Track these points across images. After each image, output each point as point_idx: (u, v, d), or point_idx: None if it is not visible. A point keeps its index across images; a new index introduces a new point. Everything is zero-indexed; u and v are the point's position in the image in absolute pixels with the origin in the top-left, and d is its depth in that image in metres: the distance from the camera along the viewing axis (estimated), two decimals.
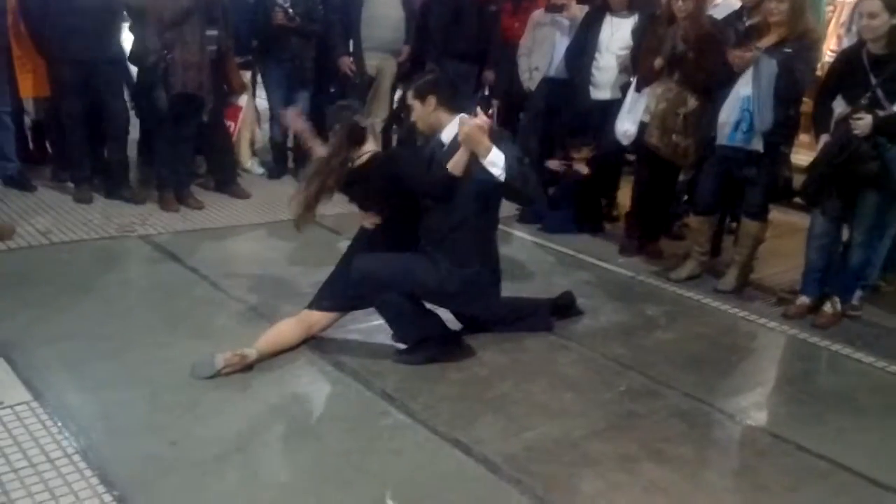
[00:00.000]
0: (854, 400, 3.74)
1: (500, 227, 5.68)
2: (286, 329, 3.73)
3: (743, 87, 4.58)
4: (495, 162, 3.38)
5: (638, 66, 5.24)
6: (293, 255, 5.03)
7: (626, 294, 4.87)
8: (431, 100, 3.64)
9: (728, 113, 4.66)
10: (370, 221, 3.76)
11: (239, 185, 5.99)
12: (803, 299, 4.63)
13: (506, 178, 3.39)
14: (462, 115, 3.57)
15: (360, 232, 3.87)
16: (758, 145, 4.61)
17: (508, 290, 4.63)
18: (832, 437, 3.38)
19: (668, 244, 5.63)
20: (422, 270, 3.64)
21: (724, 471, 3.12)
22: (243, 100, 6.13)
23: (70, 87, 5.41)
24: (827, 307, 4.53)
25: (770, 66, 4.44)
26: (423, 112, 3.68)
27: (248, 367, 3.49)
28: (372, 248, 3.73)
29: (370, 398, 3.41)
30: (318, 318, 3.78)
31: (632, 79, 5.37)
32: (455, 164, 3.46)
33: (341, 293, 3.75)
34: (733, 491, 2.97)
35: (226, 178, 5.95)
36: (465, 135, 3.40)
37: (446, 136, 3.67)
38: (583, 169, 5.90)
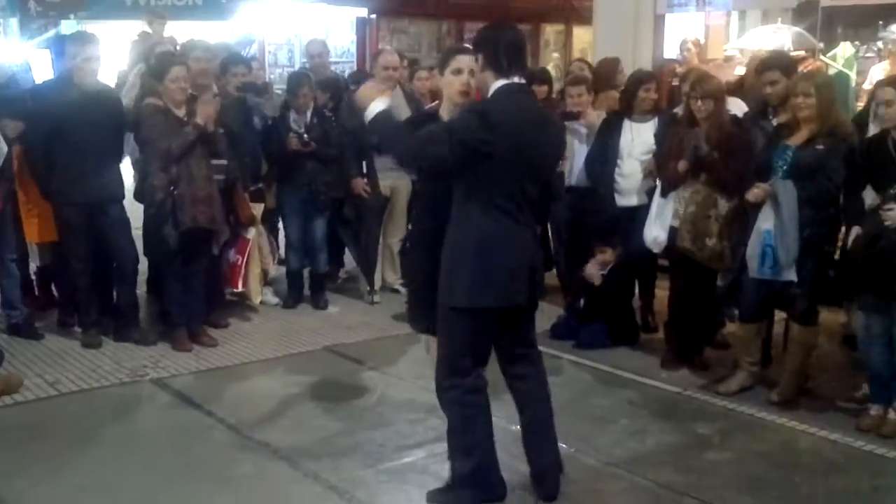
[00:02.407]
0: None
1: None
2: None
3: (764, 222, 4.70)
4: (370, 111, 3.45)
5: (661, 171, 5.37)
6: (313, 391, 5.06)
7: (673, 412, 4.84)
8: (481, 58, 3.55)
9: (752, 247, 4.77)
10: None
11: (206, 335, 5.89)
12: (876, 408, 4.58)
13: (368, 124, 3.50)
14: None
15: None
16: (790, 275, 4.67)
17: None
18: None
19: (714, 354, 5.61)
20: None
21: None
22: (251, 232, 6.26)
23: (76, 229, 5.58)
24: (891, 415, 4.48)
25: (789, 192, 4.55)
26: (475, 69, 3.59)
27: None
28: None
29: None
30: None
31: (657, 183, 5.50)
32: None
33: None
34: None
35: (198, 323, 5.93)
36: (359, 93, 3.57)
37: None
38: (595, 278, 5.98)
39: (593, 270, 6.01)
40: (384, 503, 3.72)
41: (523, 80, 3.55)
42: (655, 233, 5.35)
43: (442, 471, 3.97)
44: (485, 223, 3.40)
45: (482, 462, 3.60)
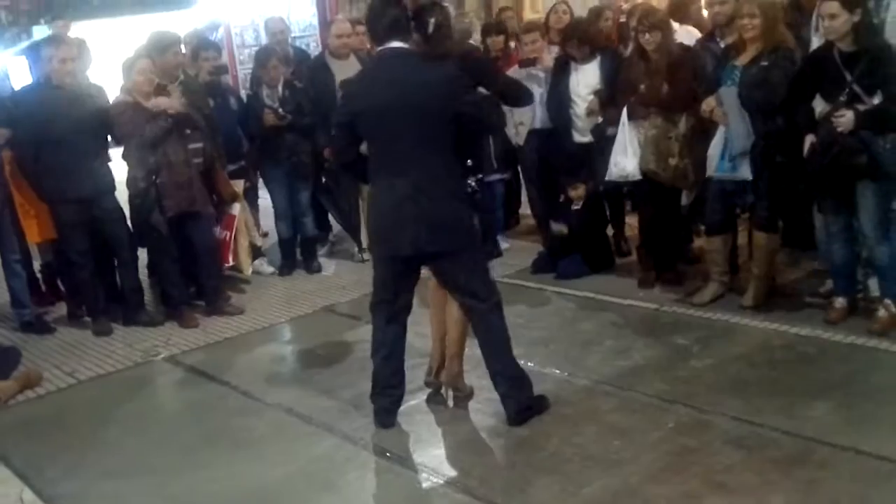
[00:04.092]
0: None
1: (516, 281, 5.83)
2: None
3: (720, 129, 4.76)
4: None
5: (619, 104, 5.34)
6: (317, 349, 5.04)
7: (654, 327, 4.85)
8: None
9: (713, 148, 4.82)
10: None
11: (228, 303, 5.95)
12: (840, 301, 4.60)
13: None
14: None
15: None
16: (746, 174, 4.68)
17: (537, 342, 4.63)
18: (888, 435, 3.34)
19: (686, 269, 5.62)
20: None
21: (791, 491, 3.05)
22: (236, 208, 6.18)
23: (73, 224, 5.49)
24: (881, 312, 4.44)
25: (729, 93, 4.60)
26: None
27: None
28: None
29: (419, 480, 3.39)
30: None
31: (599, 119, 5.58)
32: None
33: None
34: None
35: (212, 302, 5.91)
36: None
37: None
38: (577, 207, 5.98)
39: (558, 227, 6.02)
40: (395, 444, 3.71)
41: (399, 44, 3.54)
42: (623, 164, 5.31)
43: (444, 410, 3.99)
44: (374, 181, 3.69)
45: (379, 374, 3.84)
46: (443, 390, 4.06)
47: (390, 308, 3.79)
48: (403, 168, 3.53)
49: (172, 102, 5.38)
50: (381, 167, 3.62)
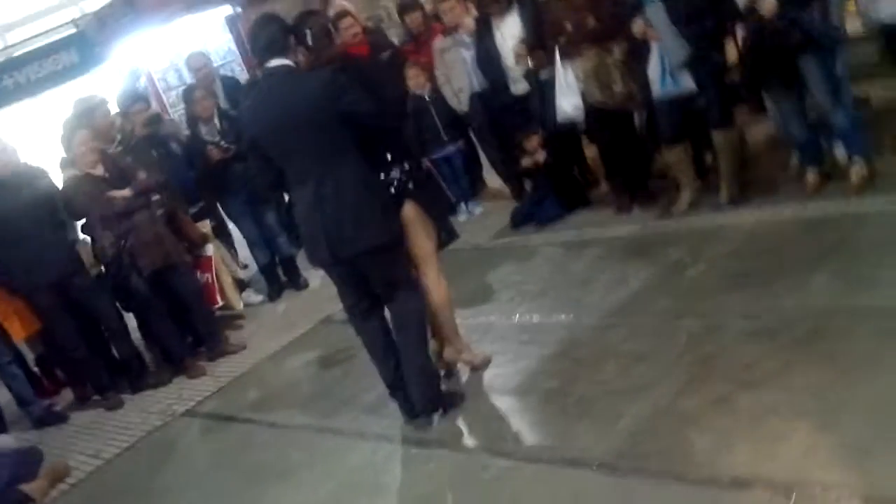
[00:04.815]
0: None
1: (500, 241, 5.85)
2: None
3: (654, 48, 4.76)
4: None
5: (548, 49, 5.33)
6: (327, 361, 5.03)
7: (642, 249, 4.88)
8: None
9: (652, 71, 4.82)
10: None
11: (229, 342, 5.91)
12: (812, 174, 4.64)
13: None
14: None
15: None
16: (689, 84, 4.71)
17: (537, 295, 4.64)
18: (890, 283, 3.38)
19: (657, 184, 5.64)
20: None
21: (817, 368, 3.07)
22: (209, 249, 6.14)
23: (53, 310, 5.42)
24: (854, 172, 4.46)
25: (656, 10, 4.61)
26: None
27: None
28: None
29: (462, 458, 3.40)
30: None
31: (530, 65, 5.57)
32: None
33: None
34: (837, 379, 2.94)
35: (212, 346, 5.89)
36: None
37: None
38: (539, 156, 5.95)
39: (529, 161, 6.00)
40: (428, 430, 3.72)
41: (279, 62, 3.56)
42: (567, 106, 5.32)
43: (465, 385, 4.00)
44: (291, 195, 3.80)
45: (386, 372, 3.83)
46: (456, 368, 4.07)
47: (359, 309, 3.80)
48: (306, 179, 3.58)
49: (127, 191, 5.34)
50: (291, 181, 3.69)
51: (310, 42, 3.68)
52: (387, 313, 3.80)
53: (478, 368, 4.04)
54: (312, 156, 3.53)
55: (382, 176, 3.70)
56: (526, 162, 6.06)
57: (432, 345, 4.06)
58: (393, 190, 3.71)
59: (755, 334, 3.44)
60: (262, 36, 3.60)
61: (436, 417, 3.75)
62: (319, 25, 3.78)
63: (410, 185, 3.75)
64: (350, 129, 3.52)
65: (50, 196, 5.42)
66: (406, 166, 3.77)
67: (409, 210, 3.74)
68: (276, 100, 3.55)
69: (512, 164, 6.36)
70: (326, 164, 3.53)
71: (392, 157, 3.74)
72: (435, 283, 3.85)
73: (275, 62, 3.57)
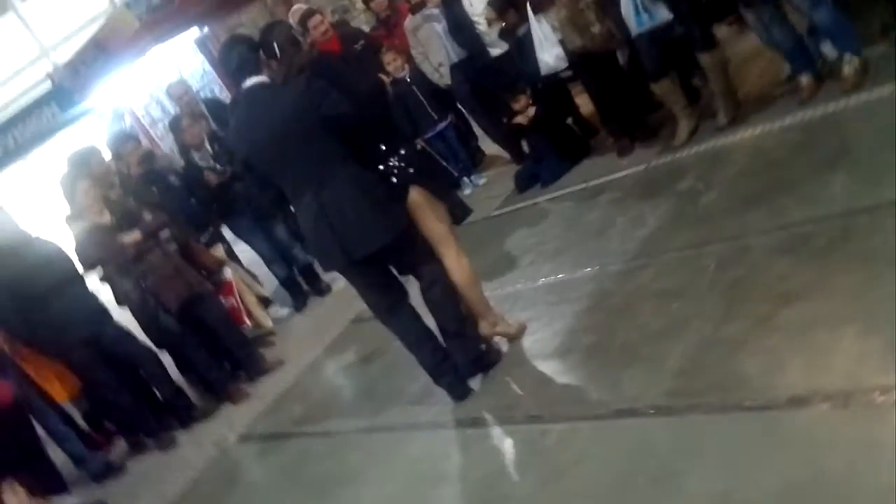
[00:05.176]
0: None
1: (509, 208, 5.82)
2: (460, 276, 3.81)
3: None
4: None
5: (518, 4, 5.29)
6: (366, 360, 5.03)
7: (652, 186, 4.84)
8: None
9: (625, 9, 4.77)
10: None
11: (266, 361, 5.92)
12: (803, 78, 4.56)
13: None
14: None
15: None
16: (665, 15, 4.66)
17: (557, 253, 4.59)
18: None
19: (654, 119, 5.59)
20: None
21: (853, 267, 3.02)
22: (228, 273, 6.15)
23: (90, 365, 5.45)
24: (846, 69, 4.38)
25: None
26: None
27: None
28: None
29: (518, 430, 3.40)
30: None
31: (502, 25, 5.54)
32: None
33: None
34: (874, 279, 2.88)
35: (250, 368, 5.92)
36: None
37: None
38: (530, 112, 5.90)
39: (521, 119, 5.95)
40: (480, 409, 3.70)
41: (254, 80, 3.57)
42: (548, 59, 5.27)
43: (505, 357, 3.99)
44: (293, 207, 3.84)
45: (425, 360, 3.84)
46: (493, 341, 4.06)
47: (384, 306, 3.82)
48: (304, 190, 3.60)
49: (136, 234, 5.37)
50: (290, 195, 3.71)
51: (278, 53, 3.66)
52: (412, 299, 3.83)
53: (515, 338, 4.03)
54: (305, 166, 3.54)
55: (381, 167, 3.68)
56: (519, 120, 6.01)
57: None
58: (395, 179, 3.69)
59: (782, 248, 3.40)
60: (233, 58, 3.62)
61: (478, 380, 3.78)
62: (284, 35, 3.78)
63: (411, 171, 3.73)
64: (336, 131, 3.52)
65: (62, 252, 5.43)
66: (402, 152, 3.75)
67: (416, 195, 3.73)
68: (257, 118, 3.56)
69: (505, 128, 6.31)
70: (320, 172, 3.53)
71: (386, 147, 3.72)
72: (455, 262, 3.83)
73: (250, 81, 3.57)
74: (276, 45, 3.68)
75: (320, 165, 3.53)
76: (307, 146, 3.51)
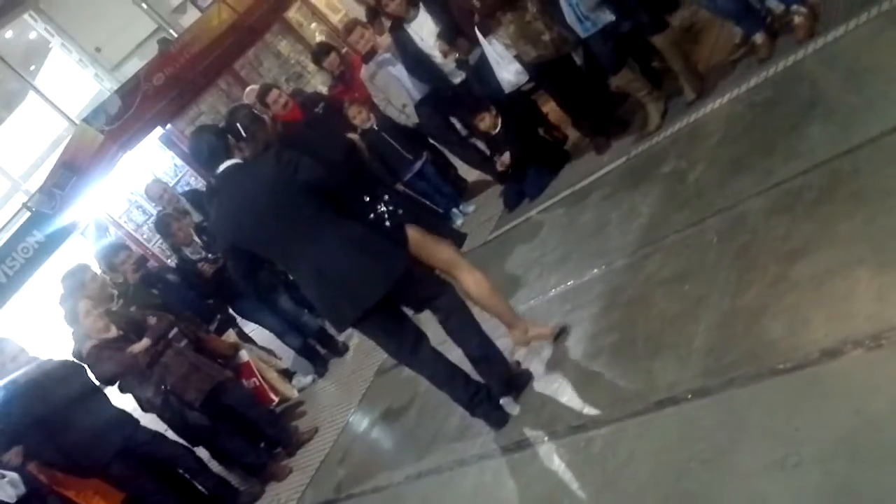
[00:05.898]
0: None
1: (503, 229, 5.85)
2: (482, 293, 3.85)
3: None
4: None
5: (467, 31, 5.36)
6: (398, 408, 5.02)
7: (636, 176, 4.86)
8: None
9: (568, 17, 4.86)
10: None
11: (300, 432, 5.93)
12: (757, 37, 4.61)
13: None
14: None
15: None
16: (608, 17, 4.74)
17: (561, 261, 4.62)
18: (879, 105, 3.36)
19: (624, 111, 5.64)
20: None
21: (851, 211, 3.04)
22: (244, 355, 6.17)
23: (128, 477, 5.42)
24: (797, 20, 4.41)
25: None
26: None
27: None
28: None
29: (564, 443, 3.39)
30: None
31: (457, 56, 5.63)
32: None
33: None
34: (874, 215, 2.91)
35: (286, 442, 5.90)
36: None
37: None
38: (495, 127, 5.95)
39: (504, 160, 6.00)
40: (523, 431, 3.69)
41: (227, 164, 3.65)
42: (508, 76, 5.34)
43: (538, 368, 3.98)
44: (293, 276, 3.96)
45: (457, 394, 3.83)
46: (521, 364, 4.05)
47: (406, 350, 3.82)
48: (298, 257, 3.63)
49: (145, 342, 5.39)
50: (286, 266, 3.78)
51: (244, 134, 3.75)
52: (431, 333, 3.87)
53: (555, 339, 3.98)
54: (293, 234, 3.58)
55: (371, 216, 3.72)
56: (486, 131, 6.04)
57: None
58: (388, 223, 3.73)
59: (778, 207, 3.42)
60: (203, 148, 3.70)
61: (510, 402, 3.78)
62: (245, 115, 3.92)
63: (400, 212, 3.78)
64: (316, 194, 3.56)
65: (75, 367, 5.43)
66: (386, 198, 3.80)
67: (412, 232, 3.77)
68: (238, 200, 3.61)
69: (478, 152, 6.37)
70: (309, 236, 3.57)
71: (370, 197, 3.77)
72: (471, 278, 3.85)
73: (223, 166, 3.64)
74: (240, 126, 3.76)
75: (308, 230, 3.57)
76: (292, 214, 3.55)
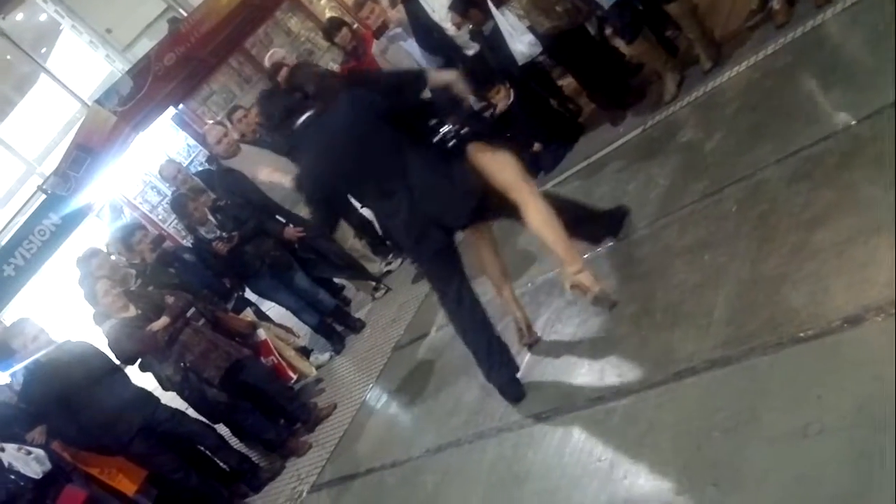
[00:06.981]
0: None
1: None
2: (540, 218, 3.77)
3: None
4: None
5: (479, 2, 5.31)
6: (416, 384, 5.03)
7: (653, 146, 4.83)
8: None
9: None
10: None
11: (319, 408, 5.93)
12: (775, 3, 4.57)
13: None
14: None
15: None
16: None
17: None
18: None
19: (639, 81, 5.60)
20: None
21: (871, 176, 3.02)
22: (261, 333, 6.20)
23: (151, 451, 5.48)
24: (775, 3, 4.44)
25: None
26: None
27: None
28: None
29: (584, 415, 3.39)
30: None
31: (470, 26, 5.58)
32: None
33: None
34: (893, 181, 2.88)
35: (306, 418, 5.95)
36: None
37: None
38: (508, 100, 5.89)
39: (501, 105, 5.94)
40: (540, 403, 3.70)
41: (304, 117, 3.76)
42: (521, 48, 5.30)
43: (549, 342, 3.98)
44: (376, 209, 4.07)
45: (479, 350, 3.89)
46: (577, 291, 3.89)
47: (452, 292, 3.88)
48: (392, 185, 3.70)
49: (164, 320, 5.41)
50: (374, 200, 3.92)
51: (311, 90, 3.86)
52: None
53: (592, 296, 3.74)
54: (384, 164, 3.69)
55: (437, 139, 3.78)
56: (501, 107, 5.98)
57: (516, 321, 4.10)
58: (454, 141, 3.76)
59: (798, 174, 3.39)
60: (277, 109, 3.86)
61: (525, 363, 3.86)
62: (310, 71, 4.07)
63: (464, 131, 3.80)
64: (392, 123, 3.68)
65: (94, 348, 5.48)
66: (452, 119, 3.86)
67: (474, 150, 3.76)
68: (324, 146, 3.75)
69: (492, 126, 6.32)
70: (396, 164, 3.68)
71: (435, 121, 3.84)
72: (532, 205, 3.72)
73: (300, 119, 3.77)
74: (305, 82, 3.88)
75: (394, 158, 3.68)
76: (379, 144, 3.68)
